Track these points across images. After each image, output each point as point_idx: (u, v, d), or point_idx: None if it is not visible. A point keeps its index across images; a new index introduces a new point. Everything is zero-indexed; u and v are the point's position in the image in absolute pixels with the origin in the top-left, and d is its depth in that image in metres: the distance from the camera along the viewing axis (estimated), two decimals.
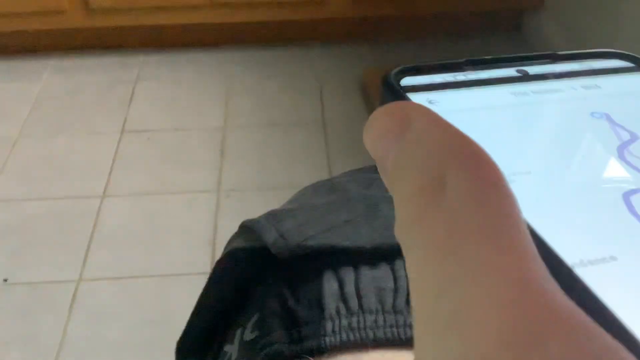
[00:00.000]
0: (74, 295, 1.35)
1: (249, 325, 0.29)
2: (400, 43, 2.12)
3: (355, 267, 0.28)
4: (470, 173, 0.12)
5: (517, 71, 0.21)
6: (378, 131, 0.14)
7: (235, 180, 1.63)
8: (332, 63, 2.05)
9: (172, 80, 1.99)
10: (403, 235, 0.13)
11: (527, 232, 0.12)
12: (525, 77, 0.21)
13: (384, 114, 0.14)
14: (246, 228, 0.32)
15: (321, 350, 0.26)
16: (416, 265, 0.12)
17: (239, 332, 0.30)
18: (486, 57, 0.21)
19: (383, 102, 0.19)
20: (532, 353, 0.10)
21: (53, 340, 1.27)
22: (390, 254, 0.29)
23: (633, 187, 0.16)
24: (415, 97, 0.19)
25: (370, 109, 1.84)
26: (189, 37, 2.12)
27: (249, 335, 0.29)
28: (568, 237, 0.14)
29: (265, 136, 1.77)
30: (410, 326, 0.26)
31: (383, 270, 0.28)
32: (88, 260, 1.43)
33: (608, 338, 0.10)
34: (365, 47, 2.11)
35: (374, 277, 0.28)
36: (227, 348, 0.31)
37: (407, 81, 0.19)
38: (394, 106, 0.15)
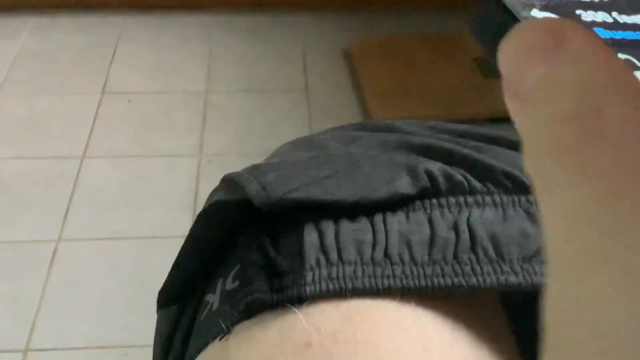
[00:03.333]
0: (54, 255, 1.35)
1: (230, 275, 0.30)
2: (386, 11, 2.11)
3: (335, 221, 0.29)
4: (635, 111, 0.11)
5: None
6: (525, 44, 0.13)
7: (217, 145, 1.62)
8: (317, 30, 2.04)
9: (154, 42, 1.97)
10: (545, 165, 0.12)
11: None
12: None
13: (536, 27, 0.13)
14: (228, 181, 0.32)
15: (301, 300, 0.27)
16: (572, 199, 0.11)
17: (220, 281, 0.31)
18: None
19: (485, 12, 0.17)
20: None
21: (32, 300, 1.27)
22: (369, 209, 0.29)
23: None
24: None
25: (353, 77, 1.84)
26: None
27: (230, 285, 0.30)
28: None
29: (247, 102, 1.76)
30: (388, 277, 0.27)
31: (362, 224, 0.29)
32: (68, 221, 1.42)
33: None
34: (350, 14, 2.10)
35: (354, 230, 0.29)
36: (209, 297, 0.31)
37: None
38: (548, 21, 0.13)
